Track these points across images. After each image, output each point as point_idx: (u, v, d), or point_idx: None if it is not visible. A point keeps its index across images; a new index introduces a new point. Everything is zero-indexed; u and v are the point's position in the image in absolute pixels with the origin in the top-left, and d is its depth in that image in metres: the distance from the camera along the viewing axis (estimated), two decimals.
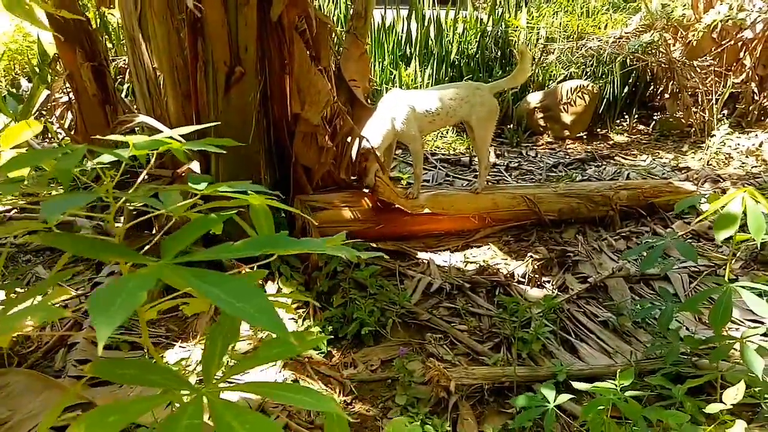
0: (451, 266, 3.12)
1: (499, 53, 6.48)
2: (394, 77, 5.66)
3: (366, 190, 3.29)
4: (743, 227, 1.79)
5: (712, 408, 1.31)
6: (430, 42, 6.19)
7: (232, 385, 0.70)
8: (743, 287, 1.82)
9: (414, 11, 6.25)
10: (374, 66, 5.84)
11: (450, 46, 6.22)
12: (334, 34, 5.70)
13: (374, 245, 3.13)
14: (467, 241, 3.42)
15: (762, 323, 2.55)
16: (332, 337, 2.46)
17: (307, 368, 2.27)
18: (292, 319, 2.56)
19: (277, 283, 2.71)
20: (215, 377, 0.71)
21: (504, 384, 2.20)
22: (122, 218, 2.28)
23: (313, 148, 3.01)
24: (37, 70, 4.92)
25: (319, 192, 3.26)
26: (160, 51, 2.77)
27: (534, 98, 5.89)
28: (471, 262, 3.19)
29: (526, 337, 2.43)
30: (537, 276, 3.04)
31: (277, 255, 2.79)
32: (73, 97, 3.45)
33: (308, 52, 2.84)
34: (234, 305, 0.52)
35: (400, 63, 5.93)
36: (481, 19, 6.61)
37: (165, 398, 0.67)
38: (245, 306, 0.52)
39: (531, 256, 3.17)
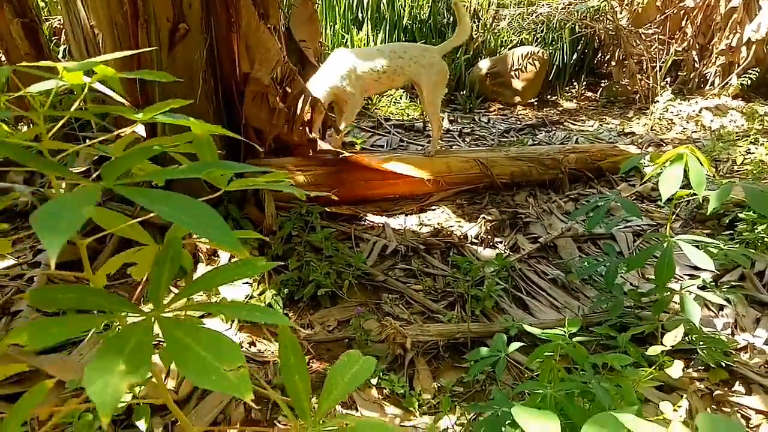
0: (406, 229, 3.14)
1: (451, 18, 6.45)
2: (346, 41, 5.57)
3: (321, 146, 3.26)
4: (683, 185, 1.87)
5: (653, 350, 1.39)
6: (382, 6, 6.10)
7: (179, 305, 0.67)
8: (684, 240, 1.91)
9: None
10: (325, 29, 5.72)
11: (402, 11, 6.14)
12: None
13: (329, 209, 3.12)
14: (422, 204, 3.44)
15: (698, 276, 2.70)
16: (289, 299, 2.46)
17: (264, 330, 2.26)
18: (247, 283, 2.53)
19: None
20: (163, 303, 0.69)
21: (459, 340, 2.25)
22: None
23: (264, 109, 2.92)
24: None
25: (271, 156, 3.19)
26: (97, 7, 2.61)
27: (486, 65, 5.92)
28: (426, 225, 3.22)
29: (479, 295, 2.49)
30: (490, 237, 3.10)
31: (231, 219, 2.75)
32: (3, 57, 3.24)
33: (256, 10, 2.73)
34: (183, 218, 0.50)
35: (352, 27, 5.83)
36: None
37: (108, 317, 0.64)
38: (196, 220, 0.50)
39: (484, 218, 3.22)
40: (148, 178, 0.70)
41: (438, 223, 3.24)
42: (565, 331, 1.45)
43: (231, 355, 0.56)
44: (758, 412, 1.91)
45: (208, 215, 0.53)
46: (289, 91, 3.15)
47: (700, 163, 1.83)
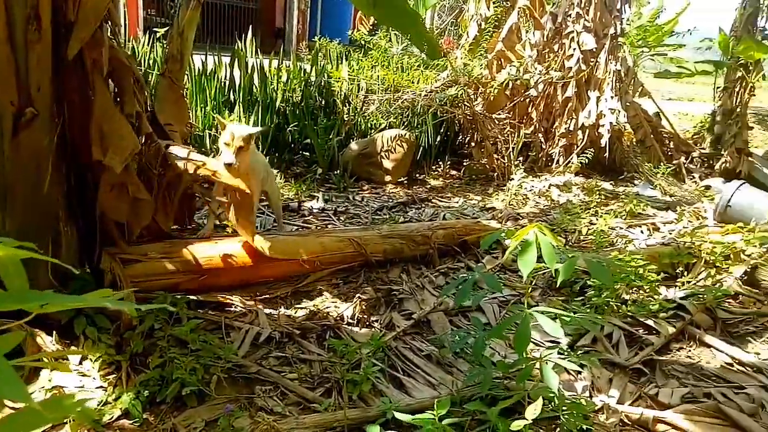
0: (280, 314, 3.05)
1: (323, 102, 6.70)
2: (217, 122, 5.52)
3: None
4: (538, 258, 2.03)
5: (516, 425, 1.44)
6: (254, 89, 6.19)
7: None
8: (539, 312, 2.05)
9: (237, 58, 6.22)
10: (195, 111, 5.65)
11: (275, 94, 6.27)
12: (150, 77, 5.43)
13: (197, 298, 2.96)
14: (297, 287, 3.38)
15: (558, 343, 2.89)
16: (150, 402, 2.24)
17: None
18: (101, 387, 2.28)
19: (82, 348, 2.40)
20: None
21: (336, 429, 2.18)
22: None
23: (124, 200, 2.76)
24: None
25: (144, 241, 3.01)
26: None
27: (357, 146, 6.16)
28: (301, 308, 3.16)
29: (356, 379, 2.45)
30: (365, 316, 3.11)
31: (83, 315, 2.50)
32: None
33: (112, 95, 2.64)
34: None
35: (224, 108, 5.81)
36: (305, 69, 6.81)
37: None
38: None
39: (359, 297, 3.24)
40: None
41: (314, 305, 3.20)
42: (434, 415, 1.46)
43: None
44: None
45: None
46: (161, 176, 3.03)
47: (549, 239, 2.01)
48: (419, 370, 2.68)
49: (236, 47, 6.34)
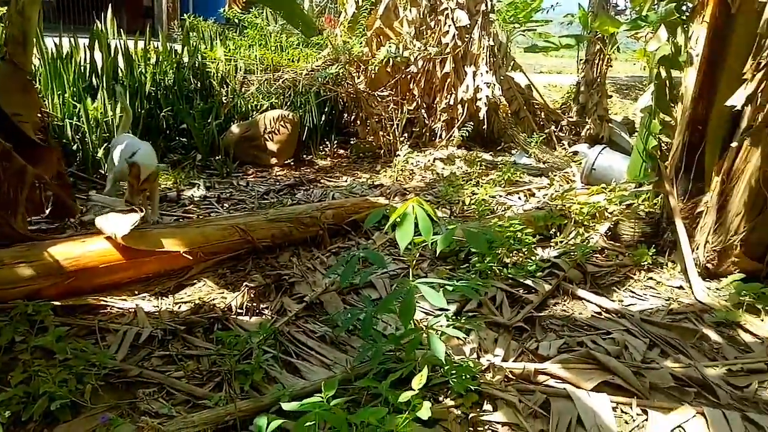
0: (162, 311, 2.88)
1: (198, 84, 6.36)
2: (78, 111, 5.04)
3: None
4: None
5: (404, 396, 1.46)
6: (119, 72, 5.72)
7: None
8: (423, 283, 2.09)
9: (97, 39, 5.69)
10: (52, 99, 5.12)
11: (143, 77, 5.84)
12: None
13: (64, 303, 2.71)
14: (180, 280, 3.21)
15: (447, 310, 3.00)
16: (14, 422, 2.02)
17: None
18: None
19: None
20: None
21: (229, 423, 2.10)
22: None
23: None
24: None
25: None
26: None
27: (238, 129, 5.93)
28: (185, 302, 3.00)
29: (247, 369, 2.38)
30: (255, 304, 3.02)
31: None
32: None
33: None
34: None
35: (85, 95, 5.31)
36: (176, 50, 6.40)
37: None
38: None
39: (247, 286, 3.14)
40: None
41: (199, 298, 3.06)
42: (323, 397, 1.45)
43: None
44: (503, 425, 2.15)
45: None
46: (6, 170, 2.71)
47: (426, 212, 2.05)
48: (313, 352, 2.66)
49: (95, 27, 5.79)
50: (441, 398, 2.27)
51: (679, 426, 2.18)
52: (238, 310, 2.95)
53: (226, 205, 4.66)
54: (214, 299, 3.05)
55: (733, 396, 2.39)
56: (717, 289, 3.41)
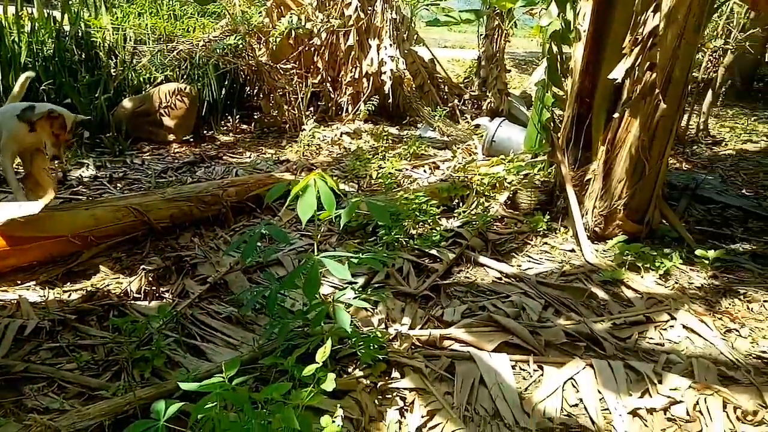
0: (49, 300, 2.67)
1: (83, 55, 5.87)
2: None
3: None
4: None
5: (308, 369, 1.46)
6: None
7: None
8: (327, 257, 2.08)
9: None
10: None
11: (17, 47, 5.29)
12: None
13: None
14: (69, 267, 2.99)
15: (357, 283, 3.02)
16: None
17: None
18: None
19: None
20: None
21: (129, 412, 2.00)
22: None
23: None
24: None
25: None
26: None
27: (131, 103, 5.56)
28: (75, 290, 2.81)
29: (148, 355, 2.27)
30: (154, 288, 2.88)
31: None
32: None
33: None
34: None
35: None
36: (54, 18, 5.85)
37: None
38: None
39: (144, 269, 2.98)
40: None
41: (92, 285, 2.87)
42: (224, 377, 1.41)
43: None
44: (411, 390, 2.22)
45: None
46: None
47: (329, 186, 2.03)
48: (219, 333, 2.59)
49: None
50: (350, 369, 2.30)
51: (571, 378, 2.35)
52: (136, 295, 2.81)
53: (119, 185, 4.38)
54: (108, 285, 2.88)
55: (617, 347, 2.61)
56: (604, 250, 3.69)
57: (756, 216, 4.47)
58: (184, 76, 6.11)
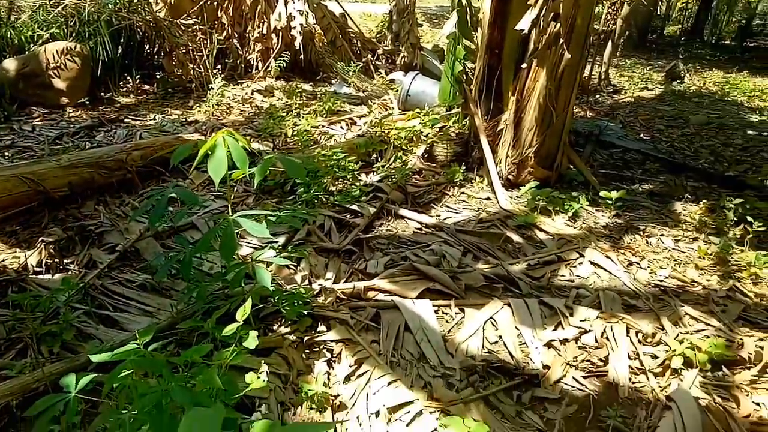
0: None
1: None
2: None
3: None
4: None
5: (228, 329, 1.42)
6: None
7: None
8: (242, 217, 2.00)
9: None
10: None
11: None
12: None
13: None
14: None
15: (278, 242, 2.97)
16: None
17: None
18: None
19: None
20: None
21: (39, 390, 1.88)
22: None
23: None
24: None
25: None
26: None
27: (13, 64, 5.03)
28: None
29: (55, 330, 2.13)
30: (57, 261, 2.68)
31: None
32: None
33: None
34: None
35: None
36: None
37: None
38: None
39: (44, 241, 2.76)
40: None
41: None
42: (138, 344, 1.34)
43: None
44: (338, 341, 2.24)
45: None
46: None
47: (240, 143, 1.94)
48: (133, 302, 2.47)
49: None
50: (276, 327, 2.28)
51: (491, 317, 2.46)
52: (37, 269, 2.61)
53: (7, 154, 4.00)
54: (4, 261, 2.65)
55: (532, 286, 2.76)
56: (517, 197, 3.84)
57: (653, 158, 4.81)
58: (73, 34, 5.59)
